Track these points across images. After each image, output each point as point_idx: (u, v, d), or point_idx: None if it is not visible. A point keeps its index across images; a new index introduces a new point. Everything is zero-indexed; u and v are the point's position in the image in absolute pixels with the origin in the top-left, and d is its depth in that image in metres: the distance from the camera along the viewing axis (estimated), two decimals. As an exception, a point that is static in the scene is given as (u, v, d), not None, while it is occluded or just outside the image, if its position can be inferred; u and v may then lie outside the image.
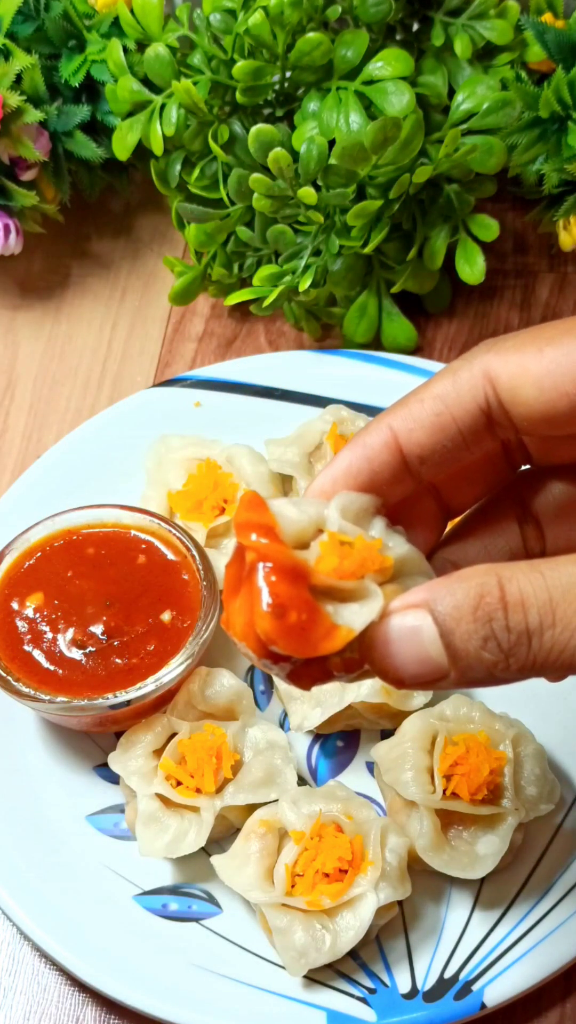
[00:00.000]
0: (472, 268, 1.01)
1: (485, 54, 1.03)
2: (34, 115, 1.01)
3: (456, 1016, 0.78)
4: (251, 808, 0.83)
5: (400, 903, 0.81)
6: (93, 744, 0.89)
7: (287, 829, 0.81)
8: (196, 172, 1.01)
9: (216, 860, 0.81)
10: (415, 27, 1.04)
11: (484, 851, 0.80)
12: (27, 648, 0.85)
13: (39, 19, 1.04)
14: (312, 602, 0.55)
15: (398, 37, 1.04)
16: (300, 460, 0.94)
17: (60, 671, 0.84)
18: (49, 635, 0.86)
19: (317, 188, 0.95)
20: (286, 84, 1.01)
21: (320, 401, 1.00)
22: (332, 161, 0.94)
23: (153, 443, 0.97)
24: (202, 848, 0.82)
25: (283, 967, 0.79)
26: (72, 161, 1.07)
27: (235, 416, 1.00)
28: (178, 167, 1.02)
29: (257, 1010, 0.79)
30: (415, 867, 0.81)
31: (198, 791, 0.82)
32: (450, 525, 0.66)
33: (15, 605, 0.87)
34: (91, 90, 1.06)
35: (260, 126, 0.96)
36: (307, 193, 0.94)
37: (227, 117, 1.01)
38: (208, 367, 1.03)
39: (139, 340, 1.09)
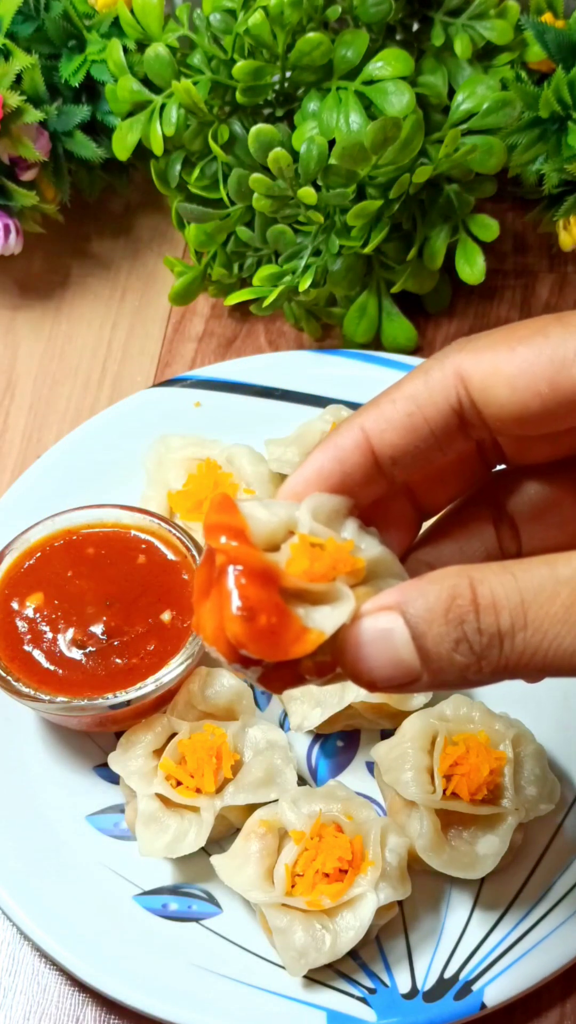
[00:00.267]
0: (472, 268, 1.01)
1: (485, 54, 1.03)
2: (34, 115, 1.01)
3: (456, 1016, 0.78)
4: (251, 808, 0.83)
5: (400, 903, 0.81)
6: (93, 744, 0.89)
7: (287, 829, 0.81)
8: (196, 172, 1.02)
9: (216, 860, 0.81)
10: (415, 27, 1.04)
11: (484, 851, 0.80)
12: (27, 648, 0.85)
13: (39, 19, 1.04)
14: (282, 605, 0.54)
15: (398, 37, 1.04)
16: (300, 460, 0.94)
17: (60, 671, 0.84)
18: (49, 635, 0.86)
19: (317, 188, 0.95)
20: (286, 84, 1.01)
21: (320, 401, 1.00)
22: (332, 161, 0.94)
23: (153, 443, 0.97)
24: (202, 848, 0.82)
25: (283, 967, 0.79)
26: (72, 161, 1.07)
27: (235, 416, 1.00)
28: (178, 167, 1.02)
29: (257, 1010, 0.79)
30: (415, 867, 0.81)
31: (198, 791, 0.82)
32: (426, 525, 0.66)
33: (15, 605, 0.87)
34: (91, 90, 1.06)
35: (260, 126, 0.96)
36: (307, 193, 0.94)
37: (227, 117, 1.01)
38: (208, 367, 1.03)
39: (139, 340, 1.09)
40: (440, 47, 1.02)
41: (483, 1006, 0.78)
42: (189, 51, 1.00)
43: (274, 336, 1.08)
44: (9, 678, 0.84)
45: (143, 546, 0.89)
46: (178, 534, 0.89)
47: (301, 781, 0.86)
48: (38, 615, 0.86)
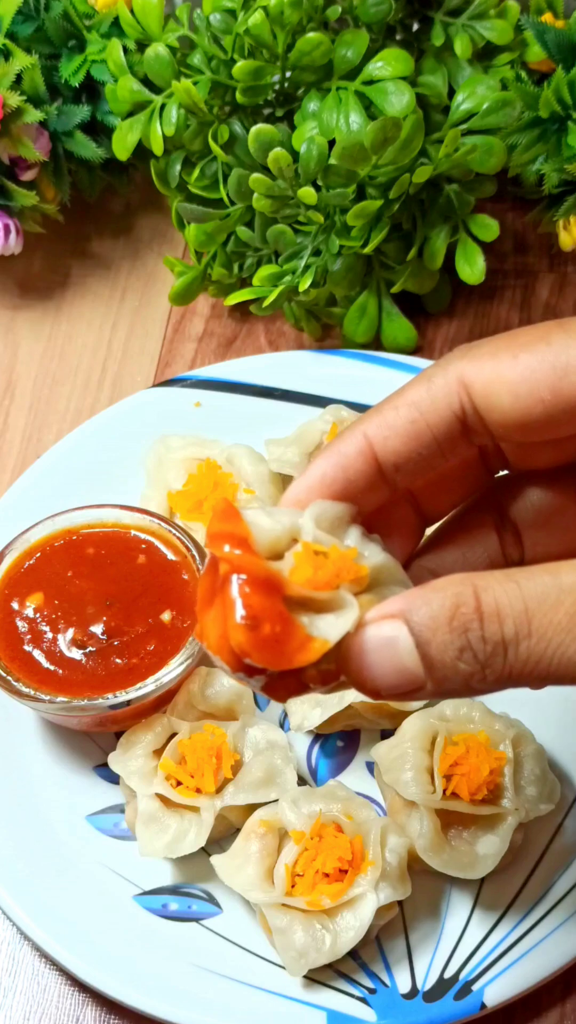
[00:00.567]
0: (472, 268, 1.01)
1: (485, 54, 1.03)
2: (34, 115, 1.01)
3: (456, 1016, 0.78)
4: (251, 808, 0.83)
5: (400, 903, 0.81)
6: (93, 744, 0.89)
7: (287, 829, 0.81)
8: (196, 172, 1.01)
9: (216, 860, 0.81)
10: (415, 27, 1.04)
11: (484, 851, 0.80)
12: (27, 648, 0.85)
13: (39, 19, 1.04)
14: (286, 614, 0.54)
15: (398, 37, 1.04)
16: (300, 460, 0.94)
17: (60, 671, 0.84)
18: (49, 635, 0.86)
19: (317, 188, 0.95)
20: (286, 84, 1.01)
21: (320, 401, 1.00)
22: (332, 161, 0.94)
23: (153, 443, 0.97)
24: (202, 848, 0.82)
25: (283, 967, 0.79)
26: (72, 161, 1.07)
27: (235, 416, 1.00)
28: (178, 167, 1.02)
29: (257, 1010, 0.79)
30: (415, 867, 0.81)
31: (198, 791, 0.82)
32: (428, 531, 0.66)
33: (15, 605, 0.87)
34: (91, 90, 1.06)
35: (260, 126, 0.96)
36: (307, 193, 0.94)
37: (227, 117, 1.01)
38: (208, 367, 1.03)
39: (139, 340, 1.09)
40: (440, 47, 1.02)
41: (483, 1006, 0.78)
42: (189, 51, 1.00)
43: (274, 336, 1.08)
44: (9, 678, 0.84)
45: (143, 546, 0.89)
46: (178, 534, 0.89)
47: (301, 781, 0.86)
48: (38, 615, 0.86)
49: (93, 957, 0.80)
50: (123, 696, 0.83)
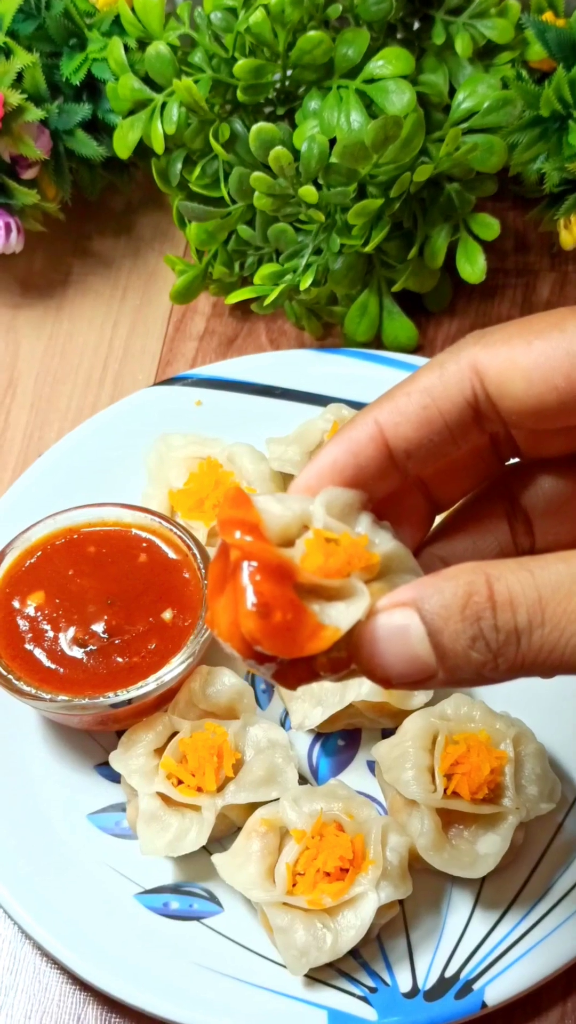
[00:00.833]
0: (473, 267, 1.01)
1: (486, 53, 1.03)
2: (35, 113, 1.01)
3: (457, 1015, 0.78)
4: (252, 807, 0.83)
5: (401, 902, 0.81)
6: (94, 743, 0.89)
7: (288, 828, 0.81)
8: (197, 171, 1.01)
9: (217, 859, 0.81)
10: (416, 26, 1.04)
11: (485, 850, 0.80)
12: (28, 647, 0.85)
13: (40, 17, 1.04)
14: (297, 601, 0.54)
15: (399, 36, 1.04)
16: (301, 459, 0.94)
17: (61, 670, 0.84)
18: (50, 634, 0.86)
19: (318, 187, 0.95)
20: (287, 82, 1.01)
21: (321, 400, 1.00)
22: (333, 160, 0.94)
23: (154, 442, 0.97)
24: (203, 847, 0.82)
25: (284, 966, 0.79)
26: (73, 159, 1.07)
27: (236, 415, 1.00)
28: (179, 165, 1.02)
29: (258, 1009, 0.79)
30: (416, 866, 0.81)
31: (199, 790, 0.82)
32: (439, 518, 0.65)
33: (16, 604, 0.87)
34: (92, 88, 1.06)
35: (261, 124, 0.96)
36: (308, 192, 0.94)
37: (228, 115, 1.01)
38: (209, 366, 1.03)
39: (140, 338, 1.09)
40: (441, 46, 1.02)
41: (484, 1005, 0.78)
42: (190, 49, 1.00)
43: (275, 335, 1.08)
44: (10, 677, 0.84)
45: (144, 545, 0.89)
46: (179, 533, 0.89)
47: (302, 780, 0.86)
48: (39, 614, 0.86)
49: (94, 956, 0.80)
50: (124, 695, 0.83)
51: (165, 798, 0.83)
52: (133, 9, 1.01)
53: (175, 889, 0.84)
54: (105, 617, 0.86)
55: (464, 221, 1.02)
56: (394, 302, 1.04)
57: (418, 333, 1.04)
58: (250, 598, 0.53)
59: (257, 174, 0.95)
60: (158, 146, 1.00)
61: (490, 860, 0.80)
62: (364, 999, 0.79)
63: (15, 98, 0.99)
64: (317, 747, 0.89)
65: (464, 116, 0.99)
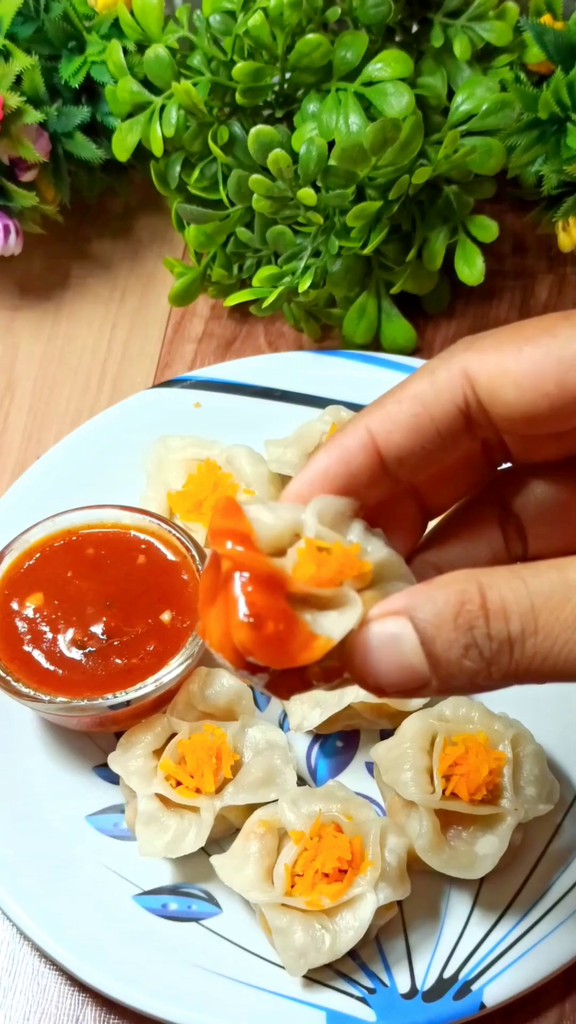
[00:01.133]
0: (471, 269, 1.01)
1: (484, 55, 1.03)
2: (34, 116, 1.01)
3: (455, 1016, 0.78)
4: (251, 808, 0.83)
5: (399, 903, 0.81)
6: (93, 744, 0.89)
7: (287, 829, 0.81)
8: (196, 173, 1.02)
9: (216, 860, 0.81)
10: (414, 29, 1.04)
11: (483, 851, 0.80)
12: (27, 648, 0.85)
13: (39, 20, 1.04)
14: (290, 612, 0.54)
15: (397, 39, 1.04)
16: (300, 461, 0.94)
17: (60, 671, 0.85)
18: (49, 635, 0.86)
19: (317, 189, 0.95)
20: (285, 85, 1.01)
21: (319, 402, 1.00)
22: (331, 162, 0.94)
23: (153, 444, 0.97)
24: (202, 848, 0.82)
25: (283, 967, 0.79)
26: (72, 162, 1.07)
27: (235, 417, 1.00)
28: (178, 168, 1.02)
29: (257, 1010, 0.79)
30: (414, 867, 0.81)
31: (198, 791, 0.82)
32: (431, 524, 0.65)
33: (15, 605, 0.87)
34: (91, 91, 1.06)
35: (260, 127, 0.96)
36: (307, 194, 0.94)
37: (227, 118, 1.01)
38: (208, 368, 1.03)
39: (139, 341, 1.09)
40: (439, 48, 1.02)
41: (482, 1006, 0.78)
42: (189, 52, 1.00)
43: (274, 337, 1.08)
44: (9, 678, 0.84)
45: (143, 546, 0.90)
46: (178, 534, 0.89)
47: (300, 781, 0.86)
48: (38, 615, 0.86)
49: (93, 957, 0.80)
50: (123, 696, 0.83)
51: (164, 799, 0.83)
52: (132, 12, 1.01)
53: (174, 890, 0.84)
54: (104, 619, 0.86)
55: (462, 223, 1.02)
56: (393, 304, 1.04)
57: (416, 335, 1.04)
58: (242, 609, 0.53)
59: (256, 177, 0.95)
60: (157, 149, 1.00)
61: (489, 861, 0.80)
62: (363, 1000, 0.79)
63: (14, 100, 0.99)
64: (315, 748, 0.89)
65: (462, 119, 0.99)
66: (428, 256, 1.02)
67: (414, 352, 1.05)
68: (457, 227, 1.02)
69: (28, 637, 0.86)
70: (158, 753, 0.84)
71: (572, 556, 0.53)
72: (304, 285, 0.97)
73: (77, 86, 1.04)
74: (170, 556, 0.89)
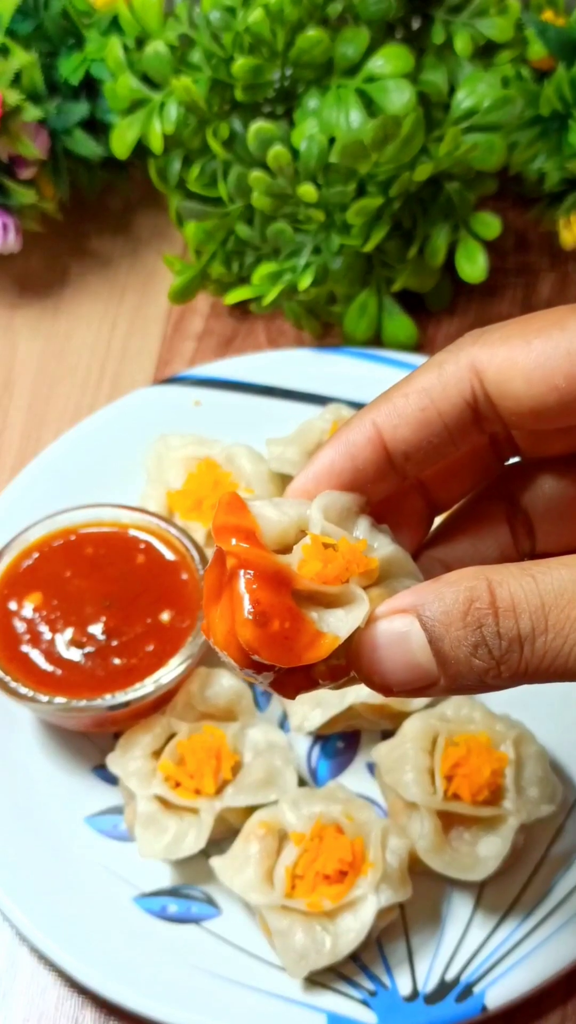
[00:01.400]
0: (473, 266, 1.01)
1: (486, 52, 1.02)
2: (33, 113, 1.00)
3: (457, 1018, 0.78)
4: (251, 809, 0.82)
5: (401, 905, 0.81)
6: (92, 745, 0.89)
7: (287, 831, 0.80)
8: (195, 170, 1.01)
9: (215, 862, 0.81)
10: (416, 25, 1.04)
11: (485, 853, 0.80)
12: (25, 648, 0.85)
13: (38, 17, 1.04)
14: (296, 609, 0.53)
15: (398, 35, 1.03)
16: (300, 459, 0.94)
17: (59, 672, 0.84)
18: (48, 635, 0.85)
19: (317, 186, 0.95)
20: (286, 82, 1.00)
21: (320, 399, 0.99)
22: (332, 159, 0.93)
23: (152, 442, 0.97)
24: (201, 850, 0.82)
25: (283, 969, 0.79)
26: (71, 159, 1.07)
27: (235, 415, 1.00)
28: (177, 165, 1.02)
29: (257, 1012, 0.78)
30: (416, 869, 0.81)
31: (197, 792, 0.82)
32: (438, 520, 0.65)
33: (13, 605, 0.86)
34: (90, 88, 1.06)
35: (260, 124, 0.95)
36: (307, 191, 0.94)
37: (227, 115, 1.00)
38: (208, 365, 1.03)
39: (138, 338, 1.09)
40: (441, 45, 1.01)
41: (484, 1008, 0.78)
42: (188, 49, 1.00)
43: (274, 334, 1.08)
44: (7, 679, 0.83)
45: (142, 546, 0.89)
46: (177, 534, 0.89)
47: (301, 782, 0.86)
48: (36, 615, 0.86)
49: (92, 959, 0.80)
50: (122, 697, 0.83)
51: (163, 801, 0.82)
52: (131, 8, 1.01)
53: (173, 892, 0.84)
54: (103, 618, 0.86)
55: (464, 220, 1.01)
56: (394, 301, 1.03)
57: (418, 332, 1.04)
58: (247, 607, 0.52)
59: (256, 173, 0.95)
60: (156, 145, 1.00)
61: (491, 863, 0.80)
62: (364, 1003, 0.79)
63: (13, 97, 0.99)
64: (316, 749, 0.88)
65: (464, 115, 0.98)
66: (430, 253, 1.02)
67: (416, 349, 1.04)
68: (459, 224, 1.01)
69: (27, 637, 0.85)
70: (157, 754, 0.84)
71: None
72: (304, 282, 0.96)
73: (76, 83, 1.04)
74: (169, 555, 0.89)
